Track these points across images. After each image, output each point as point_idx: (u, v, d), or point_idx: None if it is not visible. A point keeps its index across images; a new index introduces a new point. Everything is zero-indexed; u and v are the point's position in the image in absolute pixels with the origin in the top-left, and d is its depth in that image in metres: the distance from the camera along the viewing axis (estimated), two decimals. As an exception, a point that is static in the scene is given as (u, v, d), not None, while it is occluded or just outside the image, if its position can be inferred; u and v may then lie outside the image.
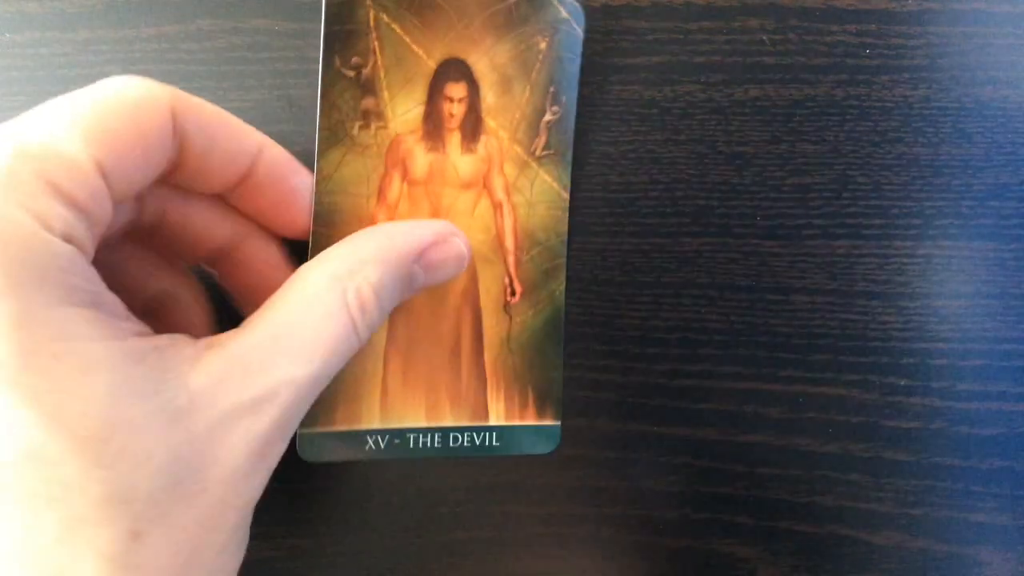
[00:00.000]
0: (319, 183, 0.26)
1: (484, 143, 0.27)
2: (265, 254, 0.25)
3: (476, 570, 0.30)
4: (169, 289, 0.25)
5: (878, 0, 0.29)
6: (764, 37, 0.29)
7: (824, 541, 0.30)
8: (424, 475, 0.29)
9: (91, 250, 0.20)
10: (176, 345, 0.20)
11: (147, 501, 0.18)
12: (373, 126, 0.26)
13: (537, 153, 0.28)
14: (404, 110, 0.27)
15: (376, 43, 0.26)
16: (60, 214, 0.18)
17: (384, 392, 0.27)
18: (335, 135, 0.26)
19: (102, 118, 0.20)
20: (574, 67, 0.28)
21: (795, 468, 0.30)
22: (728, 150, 0.30)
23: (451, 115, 0.27)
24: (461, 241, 0.25)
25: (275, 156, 0.24)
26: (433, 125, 0.27)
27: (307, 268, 0.23)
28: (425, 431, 0.28)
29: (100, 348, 0.18)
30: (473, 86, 0.27)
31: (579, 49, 0.28)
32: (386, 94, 0.26)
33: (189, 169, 0.22)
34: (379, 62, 0.26)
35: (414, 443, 0.28)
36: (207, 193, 0.24)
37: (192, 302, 0.26)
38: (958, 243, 0.30)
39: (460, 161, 0.27)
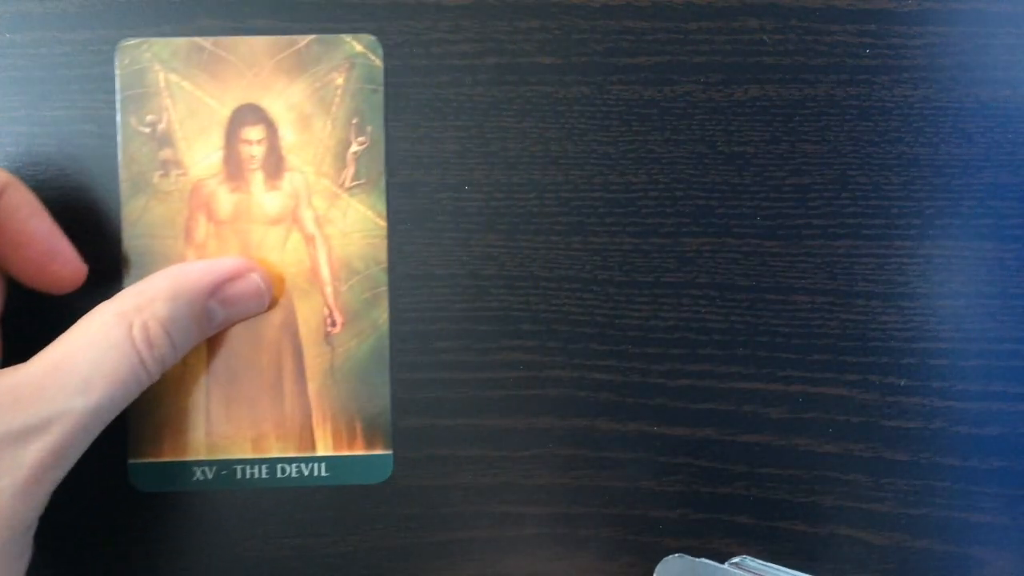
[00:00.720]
0: (125, 228, 0.28)
1: (288, 179, 0.28)
2: None
3: (476, 570, 0.30)
4: None
5: (878, 0, 0.29)
6: (764, 37, 0.29)
7: (824, 541, 0.30)
8: (423, 475, 0.29)
9: None
10: None
11: None
12: (173, 174, 0.28)
13: (347, 184, 0.28)
14: (203, 156, 0.28)
15: (168, 100, 0.28)
16: None
17: (208, 424, 0.28)
18: (136, 185, 0.28)
19: None
20: (377, 97, 0.28)
21: (795, 468, 0.30)
22: (728, 150, 0.29)
23: (251, 157, 0.28)
24: (259, 276, 0.27)
25: (18, 196, 0.24)
26: (234, 167, 0.28)
27: (98, 306, 0.23)
28: (252, 462, 0.28)
29: None
30: (270, 127, 0.28)
31: (380, 79, 0.28)
32: (183, 144, 0.28)
33: None
34: (172, 116, 0.28)
35: (241, 474, 0.29)
36: None
37: None
38: (958, 243, 0.30)
39: (265, 199, 0.28)
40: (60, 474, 0.22)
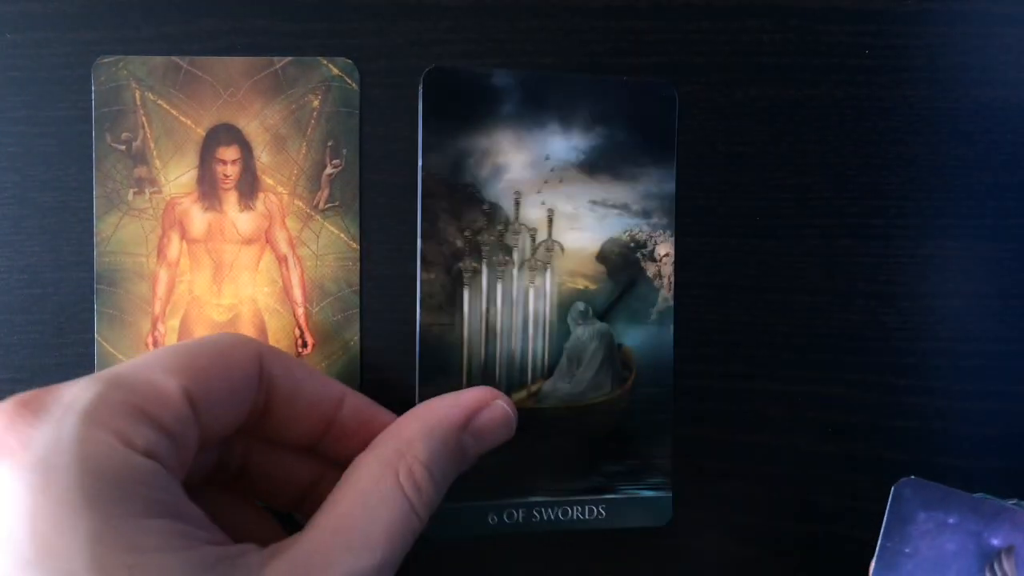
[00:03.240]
0: (98, 245, 0.28)
1: (263, 200, 0.29)
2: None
3: (475, 570, 0.30)
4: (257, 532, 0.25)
5: (878, 0, 0.29)
6: (764, 37, 0.29)
7: (825, 541, 0.30)
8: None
9: (177, 468, 0.21)
10: (245, 554, 0.21)
11: None
12: (147, 192, 0.28)
13: (321, 206, 0.29)
14: (177, 175, 0.28)
15: (144, 118, 0.28)
16: (143, 433, 0.20)
17: None
18: (111, 202, 0.28)
19: (192, 356, 0.22)
20: (352, 121, 0.29)
21: (795, 468, 0.30)
22: (728, 150, 0.30)
23: (225, 176, 0.28)
24: (505, 403, 0.26)
25: (357, 404, 0.25)
26: (208, 187, 0.28)
27: (359, 458, 0.24)
28: None
29: (173, 559, 0.19)
30: (245, 147, 0.28)
31: (356, 103, 0.28)
32: (157, 162, 0.28)
33: (276, 417, 0.24)
34: (148, 135, 0.28)
35: None
36: (294, 445, 0.25)
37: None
38: (958, 243, 0.30)
39: (239, 218, 0.29)
40: None
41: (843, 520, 0.30)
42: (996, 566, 0.27)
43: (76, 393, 0.20)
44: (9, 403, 0.19)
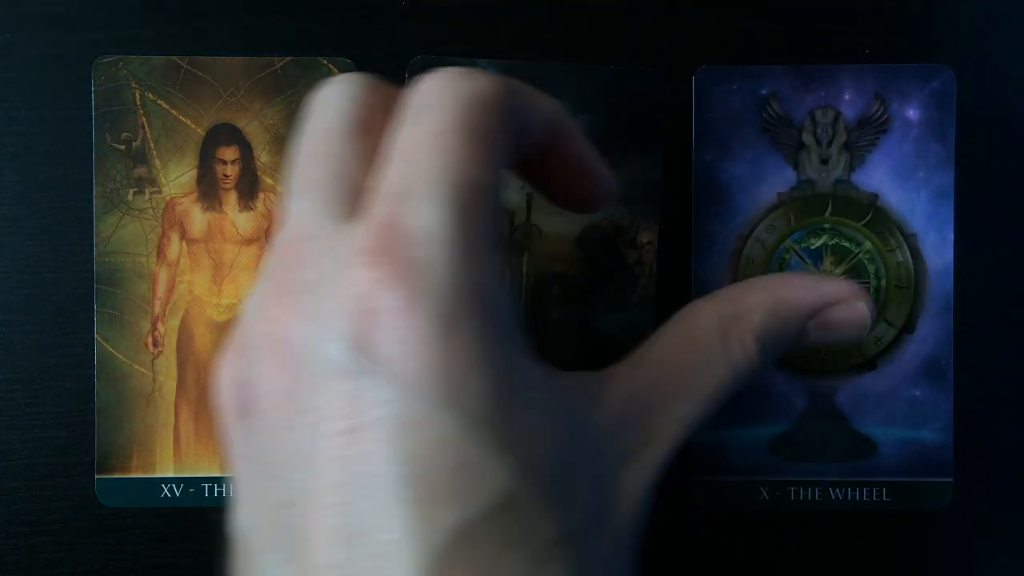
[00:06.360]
0: (98, 245, 0.28)
1: (263, 200, 0.29)
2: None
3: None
4: None
5: (878, 0, 0.29)
6: (764, 36, 0.29)
7: (825, 540, 0.30)
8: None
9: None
10: (584, 384, 0.20)
11: (585, 539, 0.18)
12: (147, 192, 0.28)
13: None
14: (176, 175, 0.28)
15: (144, 119, 0.28)
16: (500, 249, 0.19)
17: (177, 442, 0.29)
18: (111, 201, 0.28)
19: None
20: None
21: (795, 468, 0.30)
22: (728, 150, 0.30)
23: (225, 176, 0.29)
24: (866, 305, 0.24)
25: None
26: (208, 187, 0.29)
27: (698, 306, 0.23)
28: (220, 480, 0.29)
29: (549, 394, 0.19)
30: (245, 147, 0.29)
31: None
32: (157, 162, 0.28)
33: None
34: (148, 135, 0.28)
35: (209, 492, 0.29)
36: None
37: None
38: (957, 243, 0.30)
39: (239, 218, 0.29)
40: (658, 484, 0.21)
41: (843, 519, 0.30)
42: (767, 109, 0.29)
43: (430, 226, 0.17)
44: (363, 259, 0.17)
